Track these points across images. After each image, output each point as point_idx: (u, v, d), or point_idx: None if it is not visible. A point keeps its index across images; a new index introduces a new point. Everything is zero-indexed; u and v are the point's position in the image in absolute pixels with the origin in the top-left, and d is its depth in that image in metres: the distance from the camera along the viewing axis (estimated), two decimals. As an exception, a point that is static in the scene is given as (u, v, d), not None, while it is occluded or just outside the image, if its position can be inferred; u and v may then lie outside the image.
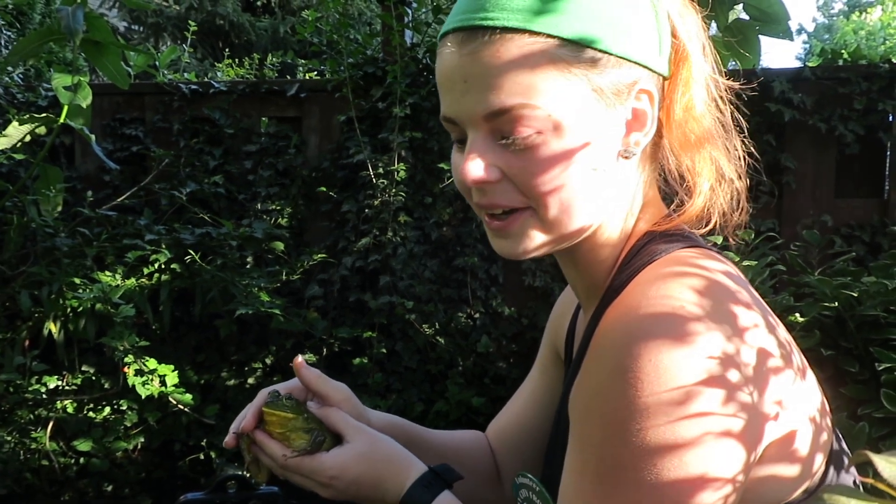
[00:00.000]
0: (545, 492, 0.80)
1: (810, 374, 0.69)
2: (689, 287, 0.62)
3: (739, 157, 0.76)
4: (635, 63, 0.67)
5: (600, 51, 0.64)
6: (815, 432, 0.64)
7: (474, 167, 0.68)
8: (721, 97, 0.74)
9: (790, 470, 0.61)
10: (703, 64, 0.71)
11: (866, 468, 0.36)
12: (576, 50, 0.64)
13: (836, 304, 2.36)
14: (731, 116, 0.77)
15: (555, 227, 0.70)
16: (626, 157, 0.70)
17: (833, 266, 2.68)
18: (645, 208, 0.76)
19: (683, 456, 0.56)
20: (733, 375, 0.58)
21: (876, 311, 2.33)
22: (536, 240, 0.71)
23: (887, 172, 3.50)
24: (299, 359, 0.91)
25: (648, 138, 0.70)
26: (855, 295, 2.34)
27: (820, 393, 0.69)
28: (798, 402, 0.64)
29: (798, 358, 0.67)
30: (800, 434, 0.63)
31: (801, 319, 2.34)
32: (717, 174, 0.73)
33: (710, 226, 0.76)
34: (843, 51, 3.62)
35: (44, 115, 2.87)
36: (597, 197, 0.69)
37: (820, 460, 0.65)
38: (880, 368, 2.17)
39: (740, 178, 0.76)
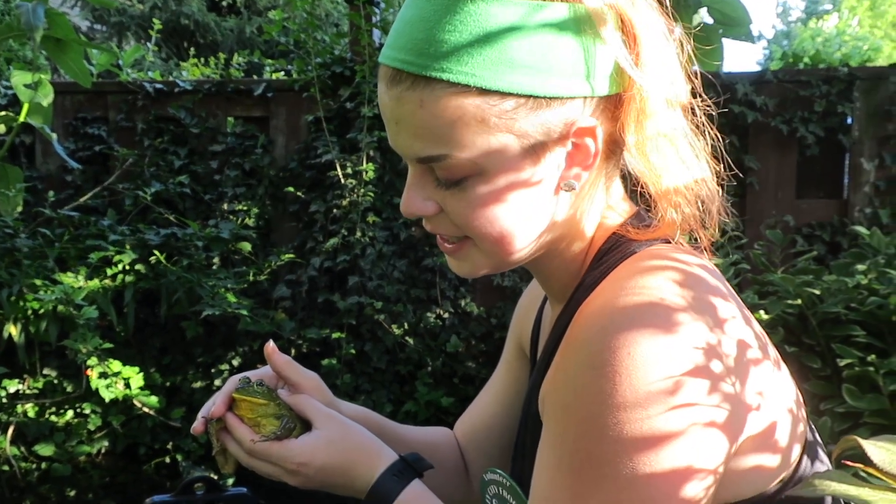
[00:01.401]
0: (516, 487, 0.79)
1: (784, 366, 0.70)
2: (668, 279, 0.62)
3: (708, 161, 0.76)
4: (566, 98, 0.64)
5: (523, 96, 0.63)
6: (793, 423, 0.65)
7: (409, 201, 0.71)
8: (692, 101, 0.74)
9: (771, 460, 0.62)
10: (660, 78, 0.68)
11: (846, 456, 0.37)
12: (497, 99, 0.62)
13: (799, 301, 2.40)
14: (705, 120, 0.77)
15: (496, 257, 0.72)
16: (568, 191, 0.69)
17: (795, 265, 2.74)
18: (610, 208, 0.76)
19: (663, 450, 0.55)
20: (715, 366, 0.58)
21: (837, 308, 2.38)
22: (483, 265, 0.73)
23: (846, 173, 3.58)
24: (270, 345, 0.89)
25: (591, 172, 0.69)
26: (817, 293, 2.40)
27: (794, 384, 0.70)
28: (776, 393, 0.64)
29: (773, 350, 0.68)
30: (779, 425, 0.63)
31: (765, 317, 2.39)
32: (684, 191, 0.72)
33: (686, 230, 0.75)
34: (803, 55, 3.70)
35: (3, 113, 2.81)
36: (537, 228, 0.70)
37: (797, 451, 0.65)
38: (842, 364, 2.23)
39: (715, 181, 0.77)
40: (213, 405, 0.85)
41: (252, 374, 0.90)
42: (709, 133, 0.76)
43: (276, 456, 0.82)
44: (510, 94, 0.62)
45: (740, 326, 0.63)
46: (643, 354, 0.57)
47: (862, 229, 2.78)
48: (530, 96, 0.63)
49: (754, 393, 0.61)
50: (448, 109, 0.63)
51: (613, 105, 0.68)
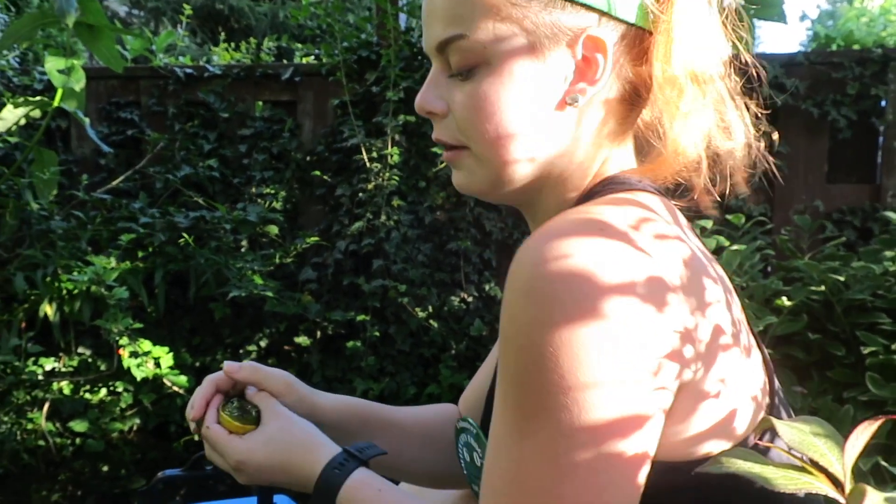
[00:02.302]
0: (481, 434, 0.78)
1: (756, 353, 0.69)
2: (622, 212, 0.60)
3: (735, 128, 0.72)
4: (583, 5, 0.65)
5: None
6: (755, 411, 0.64)
7: (423, 96, 0.71)
8: (730, 65, 0.71)
9: (724, 447, 0.61)
10: (694, 22, 0.65)
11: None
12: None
13: (824, 288, 2.37)
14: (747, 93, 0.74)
15: (491, 165, 0.70)
16: (572, 105, 0.67)
17: (823, 251, 2.70)
18: (608, 162, 0.73)
19: (600, 375, 0.53)
20: (658, 289, 0.56)
21: (863, 295, 2.35)
22: (477, 177, 0.72)
23: (879, 158, 3.50)
24: (226, 365, 0.91)
25: (598, 89, 0.67)
26: (842, 279, 2.36)
27: (763, 373, 0.68)
28: (740, 381, 0.63)
29: (746, 336, 0.67)
30: (739, 413, 0.61)
31: (788, 303, 2.36)
32: (700, 136, 0.69)
33: (693, 191, 0.74)
34: (837, 37, 3.62)
35: (38, 98, 2.88)
36: (535, 140, 0.68)
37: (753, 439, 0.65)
38: (866, 352, 2.20)
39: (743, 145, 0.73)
40: (193, 409, 0.89)
41: (216, 377, 0.93)
42: (746, 110, 0.74)
43: (220, 449, 0.83)
44: None
45: (695, 264, 0.61)
46: (575, 276, 0.54)
47: (893, 215, 2.72)
48: None
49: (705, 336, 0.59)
50: None
51: (637, 42, 0.67)
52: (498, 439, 0.58)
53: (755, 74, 0.75)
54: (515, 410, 0.56)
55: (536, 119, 0.67)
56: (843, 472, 0.33)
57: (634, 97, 0.70)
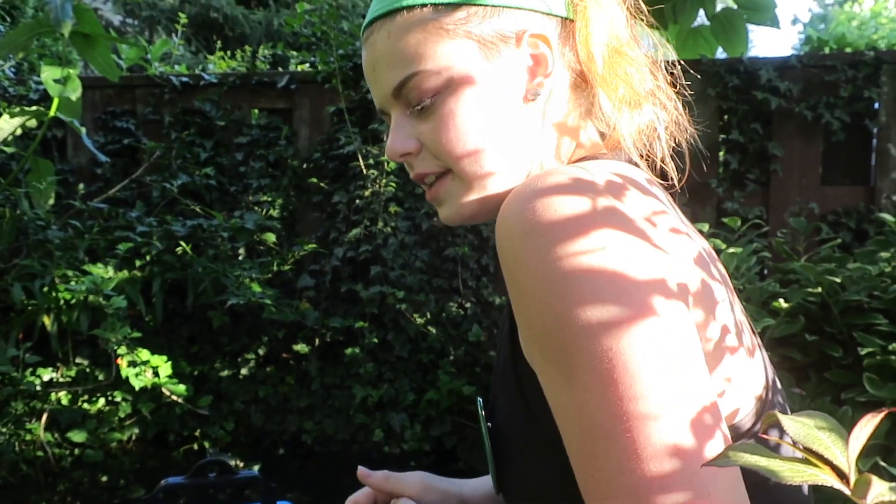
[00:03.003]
0: (482, 411, 0.78)
1: (759, 353, 0.69)
2: (603, 169, 0.61)
3: (663, 104, 0.74)
4: (517, 9, 0.69)
5: (473, 5, 0.68)
6: (759, 409, 0.65)
7: (392, 143, 0.73)
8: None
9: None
10: (607, 6, 0.71)
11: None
12: (450, 10, 0.68)
13: (821, 289, 2.38)
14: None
15: (475, 184, 0.72)
16: (534, 100, 0.70)
17: (819, 253, 2.71)
18: (582, 147, 0.75)
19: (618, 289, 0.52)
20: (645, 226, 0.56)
21: (859, 296, 2.36)
22: (465, 201, 0.74)
23: (873, 159, 3.52)
24: (361, 471, 0.92)
25: (553, 81, 0.70)
26: (839, 281, 2.37)
27: (765, 371, 0.69)
28: (743, 378, 0.64)
29: (748, 336, 0.68)
30: (742, 411, 0.62)
31: (785, 305, 2.37)
32: (630, 102, 0.71)
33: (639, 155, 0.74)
34: (829, 40, 3.64)
35: (34, 108, 2.88)
36: (509, 143, 0.70)
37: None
38: (863, 353, 2.20)
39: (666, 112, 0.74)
40: None
41: (356, 498, 0.93)
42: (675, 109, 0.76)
43: None
44: (461, 4, 0.68)
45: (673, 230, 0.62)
46: (567, 210, 0.55)
47: (888, 216, 2.74)
48: (480, 5, 0.68)
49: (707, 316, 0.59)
50: (410, 29, 0.68)
51: (571, 32, 0.71)
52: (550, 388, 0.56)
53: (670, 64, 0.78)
54: (546, 360, 0.55)
55: (504, 123, 0.70)
56: (848, 464, 0.34)
57: (582, 83, 0.74)
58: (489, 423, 0.77)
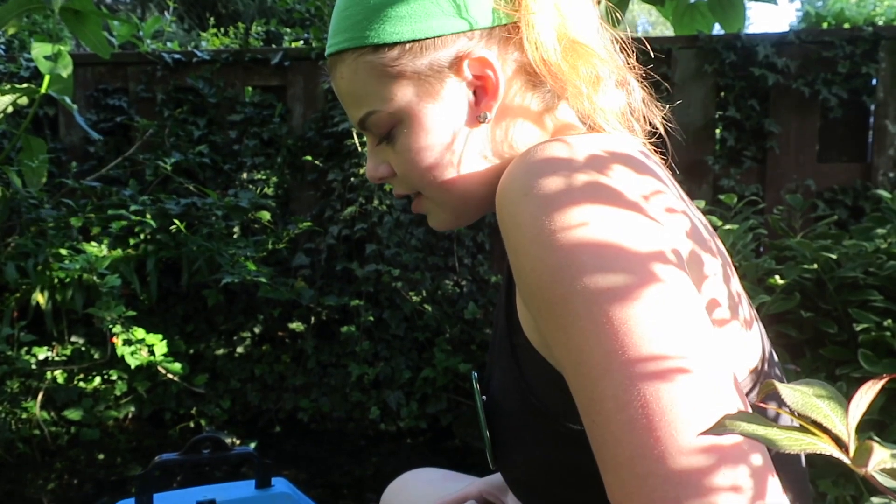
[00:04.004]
0: (477, 384, 0.79)
1: (756, 326, 0.69)
2: (600, 140, 0.61)
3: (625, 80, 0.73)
4: (442, 36, 0.68)
5: (402, 42, 0.69)
6: (755, 381, 0.65)
7: (369, 168, 0.77)
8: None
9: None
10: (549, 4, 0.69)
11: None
12: (386, 50, 0.69)
13: (816, 266, 2.38)
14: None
15: (446, 203, 0.75)
16: (485, 122, 0.71)
17: (815, 230, 2.70)
18: (557, 131, 0.75)
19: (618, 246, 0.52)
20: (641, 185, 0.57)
21: (855, 273, 2.36)
22: (443, 216, 0.77)
23: (870, 136, 3.51)
24: None
25: (501, 97, 0.70)
26: (834, 257, 2.37)
27: (762, 344, 0.68)
28: (737, 353, 0.63)
29: (746, 308, 0.67)
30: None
31: (781, 282, 2.37)
32: (592, 82, 0.70)
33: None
34: (827, 15, 3.61)
35: (25, 85, 2.85)
36: (470, 165, 0.72)
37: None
38: (858, 329, 2.20)
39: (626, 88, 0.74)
40: None
41: None
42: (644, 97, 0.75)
43: None
44: (395, 44, 0.69)
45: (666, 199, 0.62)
46: (563, 168, 0.56)
47: (884, 193, 2.73)
48: (412, 41, 0.68)
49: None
50: (357, 72, 0.71)
51: (509, 34, 0.70)
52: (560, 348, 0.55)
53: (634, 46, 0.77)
54: (548, 310, 0.54)
55: (461, 150, 0.71)
56: (847, 432, 0.33)
57: (536, 78, 0.72)
58: (484, 397, 0.77)
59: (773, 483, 0.47)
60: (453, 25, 0.68)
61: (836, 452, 0.32)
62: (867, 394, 0.33)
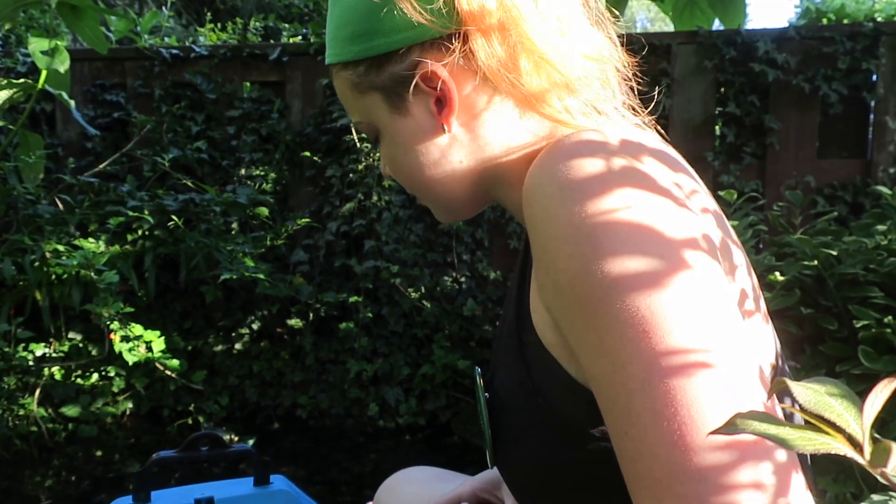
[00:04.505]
0: (480, 380, 0.79)
1: (769, 322, 0.68)
2: (623, 132, 0.60)
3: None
4: (399, 51, 0.69)
5: (364, 59, 0.71)
6: (772, 376, 0.63)
7: (381, 166, 0.81)
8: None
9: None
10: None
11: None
12: (353, 67, 0.72)
13: (816, 262, 2.37)
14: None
15: (437, 205, 0.79)
16: (450, 132, 0.71)
17: (815, 226, 2.70)
18: (551, 130, 0.73)
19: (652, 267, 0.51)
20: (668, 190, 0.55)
21: (855, 269, 2.35)
22: (437, 212, 0.81)
23: (870, 132, 3.50)
24: None
25: (455, 111, 0.70)
26: (834, 254, 2.36)
27: (775, 339, 0.67)
28: (757, 344, 0.62)
29: (757, 300, 0.66)
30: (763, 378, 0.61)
31: (781, 278, 2.36)
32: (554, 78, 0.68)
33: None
34: (828, 11, 3.60)
35: (22, 80, 2.84)
36: (449, 169, 0.73)
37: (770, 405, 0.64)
38: (858, 326, 2.20)
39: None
40: None
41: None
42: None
43: None
44: (360, 61, 0.71)
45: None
46: (593, 168, 0.55)
47: (884, 189, 2.72)
48: (371, 57, 0.71)
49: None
50: (341, 85, 0.75)
51: (466, 42, 0.68)
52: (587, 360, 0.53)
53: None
54: (575, 319, 0.53)
55: (435, 159, 0.73)
56: (862, 432, 0.32)
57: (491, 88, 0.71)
58: (487, 394, 0.76)
59: (798, 482, 0.47)
60: (404, 39, 0.69)
61: (851, 452, 0.31)
62: (882, 392, 0.32)
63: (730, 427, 0.33)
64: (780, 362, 0.66)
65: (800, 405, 0.33)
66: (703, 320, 0.49)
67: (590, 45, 0.71)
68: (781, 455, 0.46)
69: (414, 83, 0.69)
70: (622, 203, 0.52)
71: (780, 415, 0.49)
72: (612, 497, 0.57)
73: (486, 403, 0.76)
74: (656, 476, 0.48)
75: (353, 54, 0.71)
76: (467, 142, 0.72)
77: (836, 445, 0.31)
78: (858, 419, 0.32)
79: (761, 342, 0.63)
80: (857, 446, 0.31)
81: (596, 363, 0.52)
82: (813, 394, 0.33)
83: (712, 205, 0.62)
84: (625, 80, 0.74)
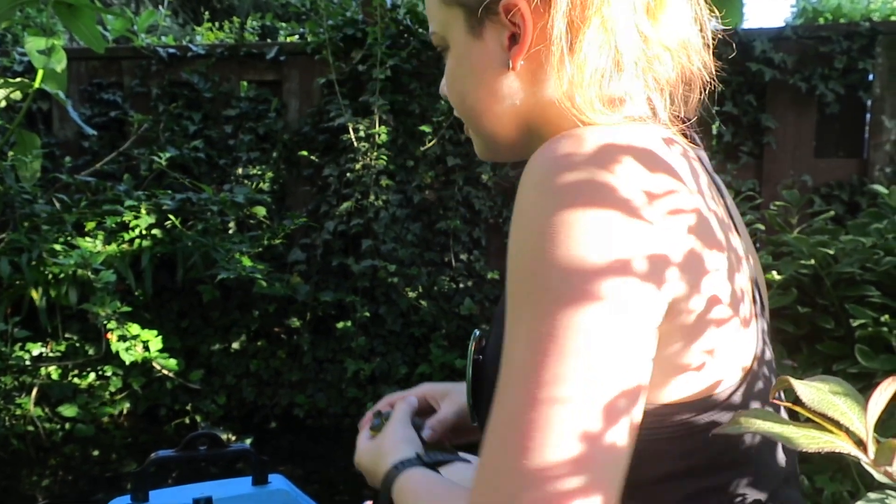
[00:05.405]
0: (473, 342, 0.83)
1: (755, 323, 0.67)
2: (617, 135, 0.60)
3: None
4: None
5: None
6: (750, 381, 0.64)
7: (441, 85, 0.81)
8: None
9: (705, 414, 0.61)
10: None
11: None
12: None
13: (813, 261, 2.37)
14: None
15: (477, 134, 0.79)
16: (514, 70, 0.71)
17: (812, 225, 2.70)
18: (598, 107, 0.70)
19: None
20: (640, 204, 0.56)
21: (852, 268, 2.35)
22: (478, 144, 0.81)
23: (867, 132, 3.51)
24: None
25: (523, 54, 0.69)
26: (831, 253, 2.36)
27: (757, 342, 0.67)
28: (732, 352, 0.63)
29: (747, 306, 0.66)
30: (724, 384, 0.62)
31: (778, 277, 2.36)
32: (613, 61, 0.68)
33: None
34: (824, 11, 3.61)
35: (19, 79, 2.83)
36: (499, 108, 0.74)
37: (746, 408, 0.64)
38: (855, 325, 2.20)
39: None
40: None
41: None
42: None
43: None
44: None
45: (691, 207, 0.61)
46: (583, 172, 0.56)
47: (881, 188, 2.73)
48: None
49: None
50: None
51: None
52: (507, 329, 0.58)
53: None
54: (517, 304, 0.57)
55: (490, 90, 0.74)
56: (866, 430, 0.32)
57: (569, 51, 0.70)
58: (479, 356, 0.80)
59: None
60: None
61: (855, 451, 0.31)
62: (886, 391, 0.32)
63: (733, 425, 0.33)
64: (756, 365, 0.65)
65: (803, 403, 0.34)
66: (589, 368, 0.53)
67: (672, 34, 0.70)
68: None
69: (498, 12, 0.70)
70: (576, 220, 0.54)
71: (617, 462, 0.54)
72: None
73: (474, 365, 0.80)
74: (490, 462, 0.55)
75: None
76: (526, 87, 0.72)
77: (840, 444, 0.31)
78: (862, 418, 0.32)
79: (732, 347, 0.63)
80: (860, 444, 0.31)
81: (504, 354, 0.57)
82: (816, 392, 0.34)
83: (697, 203, 0.61)
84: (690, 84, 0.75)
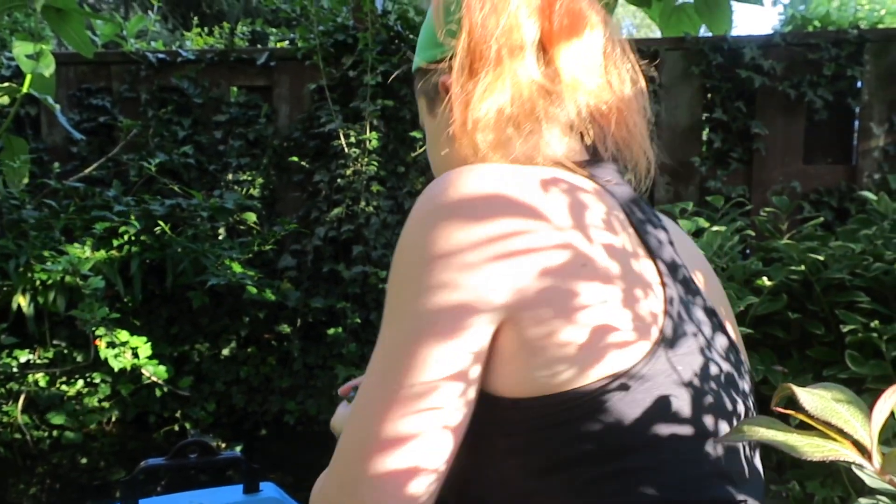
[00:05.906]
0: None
1: (694, 340, 0.68)
2: (507, 175, 0.68)
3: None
4: (430, 63, 0.85)
5: (419, 70, 0.88)
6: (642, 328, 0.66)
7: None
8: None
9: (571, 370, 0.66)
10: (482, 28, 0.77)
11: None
12: (419, 75, 0.89)
13: (803, 267, 2.39)
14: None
15: None
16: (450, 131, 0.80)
17: (801, 231, 2.71)
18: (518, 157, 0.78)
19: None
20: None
21: (842, 274, 2.36)
22: None
23: (855, 138, 3.53)
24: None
25: (445, 118, 0.80)
26: (821, 259, 2.38)
27: (700, 358, 0.68)
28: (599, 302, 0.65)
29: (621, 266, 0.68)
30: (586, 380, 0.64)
31: (768, 283, 2.37)
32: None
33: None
34: (813, 18, 3.64)
35: (7, 84, 2.81)
36: (446, 160, 0.85)
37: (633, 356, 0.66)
38: (845, 330, 2.21)
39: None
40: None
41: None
42: None
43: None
44: (419, 70, 0.89)
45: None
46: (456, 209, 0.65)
47: (869, 195, 2.75)
48: (419, 69, 0.88)
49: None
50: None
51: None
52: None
53: None
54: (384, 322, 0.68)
55: (443, 149, 0.86)
56: (870, 438, 0.32)
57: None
58: None
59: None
60: (431, 54, 0.85)
61: (859, 459, 0.30)
62: (889, 399, 0.32)
63: (737, 434, 0.33)
64: (698, 382, 0.67)
65: (806, 411, 0.33)
66: (414, 364, 0.63)
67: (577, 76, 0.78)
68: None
69: (439, 91, 0.85)
70: (428, 253, 0.64)
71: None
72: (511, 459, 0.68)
73: None
74: (340, 450, 0.71)
75: (416, 64, 0.89)
76: (452, 142, 0.81)
77: (844, 452, 0.31)
78: (866, 426, 0.31)
79: (602, 356, 0.65)
80: (864, 452, 0.31)
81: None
82: (819, 400, 0.33)
83: (568, 238, 0.66)
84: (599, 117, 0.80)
